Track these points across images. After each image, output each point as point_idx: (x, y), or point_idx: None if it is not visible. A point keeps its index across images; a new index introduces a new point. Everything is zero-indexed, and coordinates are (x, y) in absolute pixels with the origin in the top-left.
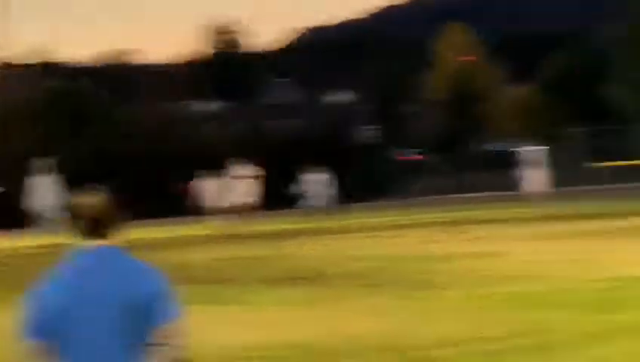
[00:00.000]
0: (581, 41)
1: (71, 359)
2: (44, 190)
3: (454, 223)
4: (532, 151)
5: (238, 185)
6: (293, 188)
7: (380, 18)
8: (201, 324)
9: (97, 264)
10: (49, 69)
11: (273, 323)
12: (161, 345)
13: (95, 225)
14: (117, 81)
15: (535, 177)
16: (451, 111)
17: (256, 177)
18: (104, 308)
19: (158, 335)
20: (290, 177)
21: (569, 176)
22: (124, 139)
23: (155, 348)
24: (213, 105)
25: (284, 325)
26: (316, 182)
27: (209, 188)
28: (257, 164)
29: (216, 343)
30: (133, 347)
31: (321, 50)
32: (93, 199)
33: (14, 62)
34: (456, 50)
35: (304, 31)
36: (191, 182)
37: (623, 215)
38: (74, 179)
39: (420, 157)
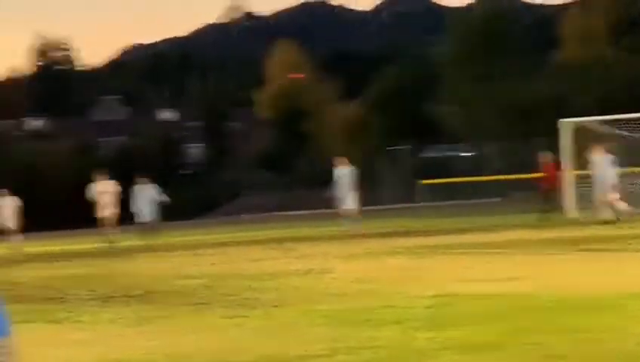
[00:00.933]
0: (411, 59)
1: None
2: None
3: (280, 241)
4: (344, 170)
5: (102, 200)
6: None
7: (202, 36)
8: (31, 343)
9: None
10: None
11: (104, 342)
12: None
13: None
14: None
15: (347, 196)
16: (280, 128)
17: (115, 192)
18: None
19: None
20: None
21: (395, 193)
22: None
23: None
24: (40, 123)
25: (115, 344)
26: (145, 199)
27: (7, 208)
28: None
29: None
30: None
31: (146, 68)
32: None
33: None
34: (286, 67)
35: (129, 48)
36: None
37: (446, 231)
38: None
39: None
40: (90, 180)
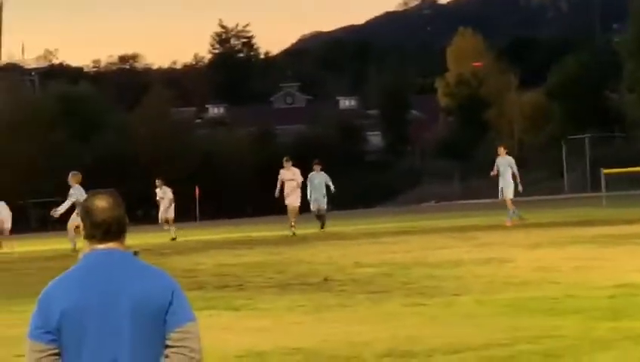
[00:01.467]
0: (590, 47)
1: None
2: None
3: (461, 229)
4: (505, 160)
5: (286, 188)
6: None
7: (379, 24)
8: (211, 330)
9: (109, 267)
10: (54, 74)
11: (282, 330)
12: (176, 348)
13: (107, 229)
14: (122, 85)
15: (507, 185)
16: (461, 117)
17: (298, 181)
18: (116, 311)
19: (173, 339)
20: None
21: (577, 182)
22: (132, 144)
23: (170, 351)
24: (221, 110)
25: (294, 331)
26: (317, 187)
27: (164, 197)
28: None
29: (226, 349)
30: (147, 350)
31: (325, 56)
32: (105, 202)
33: (21, 65)
34: (466, 55)
35: (307, 36)
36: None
37: (629, 221)
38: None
39: None
40: (269, 168)
